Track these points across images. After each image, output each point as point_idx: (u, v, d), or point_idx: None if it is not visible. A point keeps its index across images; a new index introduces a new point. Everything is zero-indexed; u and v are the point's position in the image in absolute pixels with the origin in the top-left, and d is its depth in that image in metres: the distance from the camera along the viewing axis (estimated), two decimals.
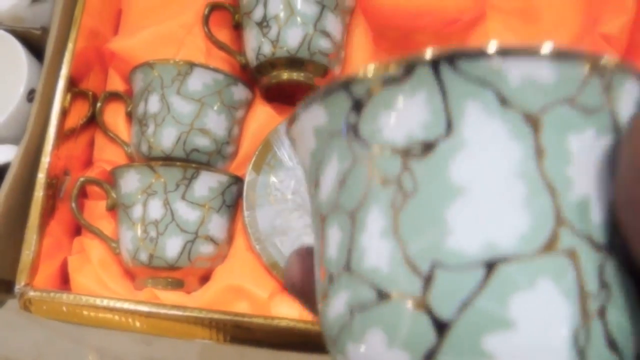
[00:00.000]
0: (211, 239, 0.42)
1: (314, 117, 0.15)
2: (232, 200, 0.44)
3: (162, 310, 0.37)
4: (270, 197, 0.45)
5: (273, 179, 0.45)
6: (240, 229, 0.44)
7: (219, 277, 0.42)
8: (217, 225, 0.42)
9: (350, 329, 0.13)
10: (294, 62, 0.44)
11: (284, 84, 0.45)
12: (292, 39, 0.43)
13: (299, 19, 0.43)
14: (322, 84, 0.47)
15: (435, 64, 0.13)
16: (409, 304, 0.12)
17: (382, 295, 0.13)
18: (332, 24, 0.44)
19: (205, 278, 0.43)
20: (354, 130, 0.14)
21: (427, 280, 0.12)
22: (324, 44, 0.44)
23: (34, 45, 0.45)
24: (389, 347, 0.12)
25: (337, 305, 0.14)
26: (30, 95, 0.43)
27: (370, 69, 0.13)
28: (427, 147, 0.13)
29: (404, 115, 0.13)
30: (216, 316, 0.36)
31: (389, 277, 0.13)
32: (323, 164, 0.15)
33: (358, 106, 0.14)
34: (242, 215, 0.44)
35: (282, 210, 0.44)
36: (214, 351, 0.52)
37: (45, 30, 0.45)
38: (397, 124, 0.13)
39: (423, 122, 0.13)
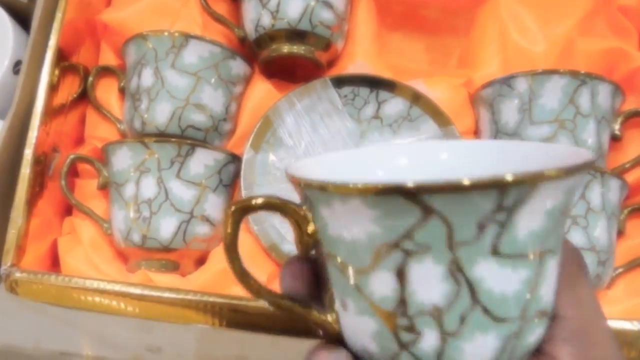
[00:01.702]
0: (207, 219, 0.40)
1: None
2: (229, 179, 0.42)
3: (155, 293, 0.35)
4: (270, 176, 0.43)
5: (272, 157, 0.43)
6: None
7: (216, 260, 0.40)
8: (213, 205, 0.40)
9: None
10: (294, 34, 0.42)
11: (284, 58, 0.43)
12: (293, 9, 0.41)
13: None
14: (324, 58, 0.44)
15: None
16: None
17: None
18: None
19: (201, 260, 0.41)
20: None
21: None
22: (326, 15, 0.42)
23: (20, 14, 0.43)
24: None
25: None
26: (17, 67, 0.40)
27: None
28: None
29: None
30: (212, 299, 0.35)
31: None
32: None
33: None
34: (239, 195, 0.42)
35: (281, 190, 0.42)
36: (214, 338, 0.51)
37: None
38: None
39: None
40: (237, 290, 0.39)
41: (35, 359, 0.53)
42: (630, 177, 0.41)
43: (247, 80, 0.45)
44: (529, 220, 0.16)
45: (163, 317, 0.36)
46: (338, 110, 0.44)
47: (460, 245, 0.16)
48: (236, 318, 0.35)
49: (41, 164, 0.39)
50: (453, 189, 0.15)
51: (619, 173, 0.40)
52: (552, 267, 0.18)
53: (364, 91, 0.44)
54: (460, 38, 0.49)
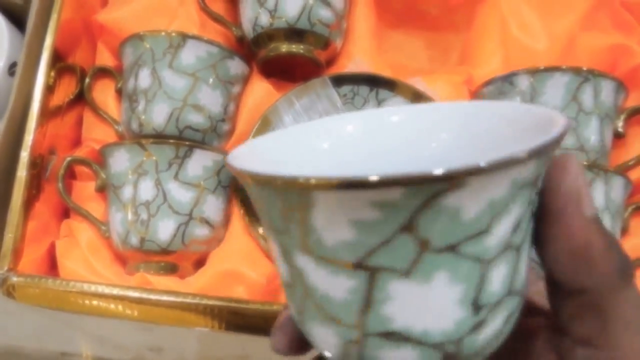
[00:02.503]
0: (206, 221, 0.40)
1: None
2: (227, 181, 0.41)
3: (154, 296, 0.34)
4: None
5: None
6: (237, 211, 0.42)
7: (215, 262, 0.40)
8: (212, 207, 0.40)
9: None
10: (293, 33, 0.42)
11: (282, 57, 0.43)
12: (291, 8, 0.41)
13: None
14: (323, 57, 0.44)
15: None
16: None
17: None
18: None
19: (199, 263, 0.41)
20: None
21: None
22: (324, 13, 0.41)
23: (15, 15, 0.42)
24: None
25: None
26: (12, 69, 0.40)
27: None
28: None
29: None
30: (211, 302, 0.34)
31: None
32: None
33: None
34: (238, 197, 0.42)
35: None
36: (215, 338, 0.50)
37: (27, 0, 0.42)
38: None
39: None
40: (237, 292, 0.39)
41: (35, 359, 0.53)
42: (634, 175, 0.40)
43: (245, 80, 0.44)
44: (464, 210, 0.14)
45: (162, 320, 0.36)
46: (337, 110, 0.43)
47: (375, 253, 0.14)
48: (236, 320, 0.35)
49: (38, 166, 0.39)
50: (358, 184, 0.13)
51: (623, 171, 0.40)
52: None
53: (363, 90, 0.44)
54: (460, 35, 0.48)
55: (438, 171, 0.12)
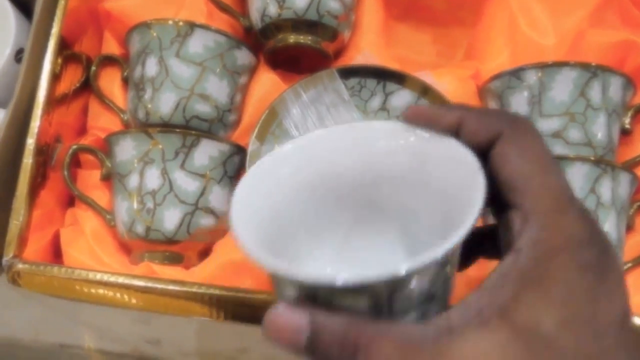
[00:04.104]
0: (212, 211, 0.40)
1: None
2: (233, 171, 0.41)
3: (159, 285, 0.34)
4: None
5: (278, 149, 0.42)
6: None
7: (220, 252, 0.40)
8: (218, 197, 0.40)
9: None
10: (301, 24, 0.41)
11: (290, 48, 0.42)
12: None
13: None
14: (330, 48, 0.44)
15: None
16: None
17: None
18: None
19: (204, 253, 0.41)
20: None
21: None
22: (333, 5, 0.41)
23: (22, 2, 0.42)
24: None
25: None
26: (19, 55, 0.40)
27: None
28: None
29: None
30: (217, 292, 0.34)
31: None
32: None
33: None
34: None
35: None
36: (214, 330, 0.50)
37: None
38: None
39: None
40: (242, 283, 0.39)
41: (34, 351, 0.53)
42: None
43: (252, 71, 0.44)
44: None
45: (166, 309, 0.36)
46: (345, 102, 0.43)
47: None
48: (241, 311, 0.35)
49: (43, 154, 0.39)
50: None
51: (629, 167, 0.40)
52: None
53: (370, 83, 0.43)
54: (468, 29, 0.48)
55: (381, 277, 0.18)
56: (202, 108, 0.40)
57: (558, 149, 0.38)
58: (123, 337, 0.53)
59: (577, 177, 0.36)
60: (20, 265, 0.35)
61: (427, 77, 0.43)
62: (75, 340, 0.53)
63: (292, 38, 0.42)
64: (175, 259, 0.40)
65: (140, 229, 0.38)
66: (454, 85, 0.43)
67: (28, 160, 0.37)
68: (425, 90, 0.43)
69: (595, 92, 0.38)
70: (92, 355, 0.53)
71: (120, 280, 0.35)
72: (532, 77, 0.39)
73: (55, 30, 0.39)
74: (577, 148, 0.37)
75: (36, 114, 0.38)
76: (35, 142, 0.37)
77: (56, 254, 0.41)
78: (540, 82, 0.39)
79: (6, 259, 0.35)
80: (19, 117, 0.38)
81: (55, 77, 0.39)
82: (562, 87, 0.38)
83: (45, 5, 0.39)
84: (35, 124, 0.38)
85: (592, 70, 0.38)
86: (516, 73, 0.40)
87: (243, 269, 0.39)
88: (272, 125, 0.43)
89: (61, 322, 0.53)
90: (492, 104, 0.42)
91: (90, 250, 0.40)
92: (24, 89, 0.38)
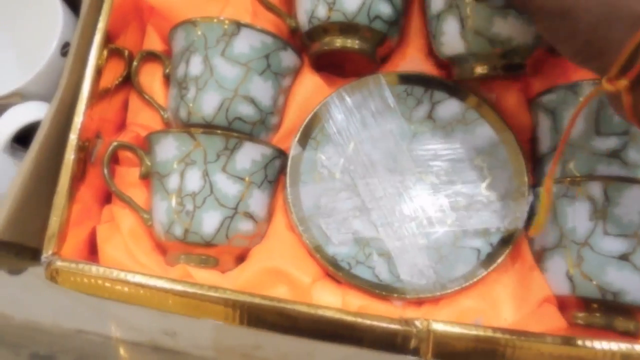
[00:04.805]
0: (251, 216, 0.39)
1: None
2: (273, 175, 0.40)
3: (199, 291, 0.34)
4: (316, 174, 0.41)
5: (320, 155, 0.41)
6: (280, 206, 0.41)
7: (256, 258, 0.39)
8: (257, 201, 0.39)
9: None
10: (349, 27, 0.40)
11: (336, 51, 0.41)
12: (351, 1, 0.39)
13: None
14: (377, 53, 0.42)
15: None
16: None
17: None
18: None
19: (241, 258, 0.40)
20: None
21: None
22: (384, 9, 0.40)
23: None
24: None
25: None
26: (65, 49, 0.39)
27: None
28: None
29: None
30: (257, 301, 0.33)
31: None
32: None
33: None
34: (283, 192, 0.41)
35: (328, 190, 0.41)
36: (230, 328, 0.50)
37: None
38: None
39: None
40: (279, 291, 0.38)
41: (52, 335, 0.53)
42: None
43: (296, 73, 0.43)
44: None
45: (203, 314, 0.35)
46: (390, 109, 0.42)
47: None
48: (280, 321, 0.34)
49: (84, 150, 0.38)
50: None
51: None
52: None
53: (417, 90, 0.42)
54: None
55: None
56: (246, 110, 0.40)
57: (615, 169, 0.36)
58: (141, 326, 0.53)
59: (636, 200, 0.34)
60: (59, 263, 0.35)
61: (476, 88, 0.42)
62: (93, 327, 0.53)
63: (339, 42, 0.41)
64: (212, 263, 0.39)
65: (178, 230, 0.38)
66: (503, 97, 0.42)
67: (70, 155, 0.37)
68: (474, 100, 0.41)
69: None
70: (108, 343, 0.53)
71: (159, 283, 0.34)
72: (589, 92, 0.37)
73: (101, 25, 0.39)
74: (636, 170, 0.36)
75: (80, 109, 0.37)
76: (78, 138, 0.37)
77: (92, 250, 0.41)
78: (599, 98, 0.37)
79: (45, 255, 0.35)
80: (62, 112, 0.37)
81: (98, 72, 0.39)
82: None
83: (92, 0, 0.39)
84: (79, 119, 0.37)
85: None
86: (572, 87, 0.38)
87: (280, 276, 0.38)
88: (314, 130, 0.42)
89: (81, 309, 0.53)
90: (544, 118, 0.41)
91: (126, 248, 0.40)
92: (69, 83, 0.37)
